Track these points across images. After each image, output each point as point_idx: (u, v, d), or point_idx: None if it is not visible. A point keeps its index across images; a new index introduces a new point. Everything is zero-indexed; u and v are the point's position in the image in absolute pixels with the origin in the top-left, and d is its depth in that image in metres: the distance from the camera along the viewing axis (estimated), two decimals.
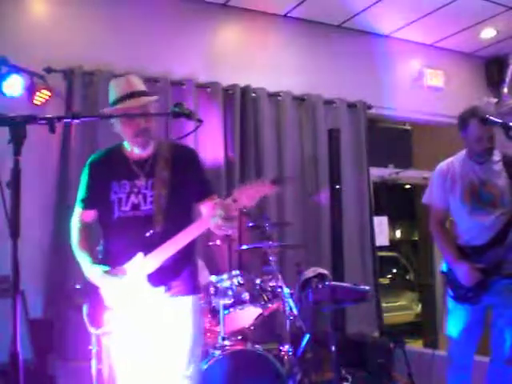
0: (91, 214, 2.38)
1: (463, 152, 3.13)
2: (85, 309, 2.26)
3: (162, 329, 2.24)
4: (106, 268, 2.20)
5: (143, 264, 2.16)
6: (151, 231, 2.18)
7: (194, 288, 2.34)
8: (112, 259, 2.24)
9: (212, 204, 2.19)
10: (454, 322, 3.08)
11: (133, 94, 2.24)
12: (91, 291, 2.23)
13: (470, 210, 3.01)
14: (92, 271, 2.23)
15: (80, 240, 2.34)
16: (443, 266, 3.14)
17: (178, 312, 2.26)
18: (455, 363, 3.08)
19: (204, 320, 2.44)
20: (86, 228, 2.38)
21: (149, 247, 2.16)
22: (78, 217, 2.38)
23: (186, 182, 2.31)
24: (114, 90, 2.29)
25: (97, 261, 2.27)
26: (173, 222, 2.20)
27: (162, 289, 2.18)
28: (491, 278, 2.92)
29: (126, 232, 2.23)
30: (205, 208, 2.35)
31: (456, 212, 3.09)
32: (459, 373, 3.07)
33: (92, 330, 2.24)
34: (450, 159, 3.17)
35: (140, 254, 2.16)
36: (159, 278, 2.18)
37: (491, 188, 3.01)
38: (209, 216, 2.11)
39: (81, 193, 2.38)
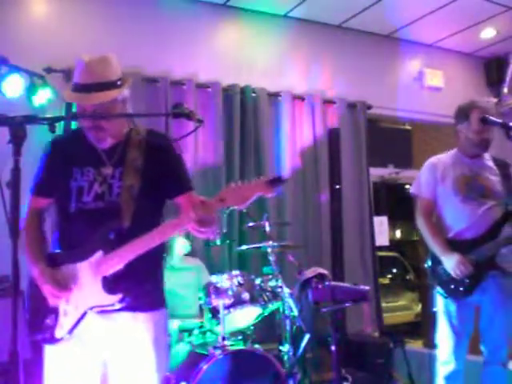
0: (45, 203, 2.10)
1: (454, 150, 3.12)
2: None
3: (117, 349, 1.95)
4: (53, 264, 1.94)
5: (101, 264, 1.88)
6: (117, 227, 1.90)
7: (159, 302, 2.06)
8: (67, 256, 1.96)
9: (191, 201, 1.94)
10: (445, 321, 2.97)
11: (85, 88, 1.93)
12: (37, 290, 1.94)
13: (463, 198, 2.94)
14: (35, 265, 1.93)
15: (29, 229, 2.04)
16: (427, 261, 3.04)
17: (136, 331, 1.95)
18: (447, 366, 2.96)
19: (168, 339, 2.11)
20: (37, 215, 2.09)
21: (112, 245, 1.88)
22: (29, 204, 2.08)
23: (161, 173, 2.03)
24: (75, 70, 1.98)
25: (44, 254, 1.99)
26: (143, 218, 1.91)
27: (116, 297, 1.87)
28: (486, 271, 2.83)
29: (86, 226, 1.93)
30: (182, 204, 2.06)
31: (446, 202, 3.01)
32: (451, 376, 2.95)
33: (30, 335, 1.96)
34: (439, 155, 3.15)
35: (99, 253, 1.88)
36: (116, 283, 1.87)
37: (483, 180, 2.98)
38: (187, 214, 1.81)
39: (35, 178, 2.08)
